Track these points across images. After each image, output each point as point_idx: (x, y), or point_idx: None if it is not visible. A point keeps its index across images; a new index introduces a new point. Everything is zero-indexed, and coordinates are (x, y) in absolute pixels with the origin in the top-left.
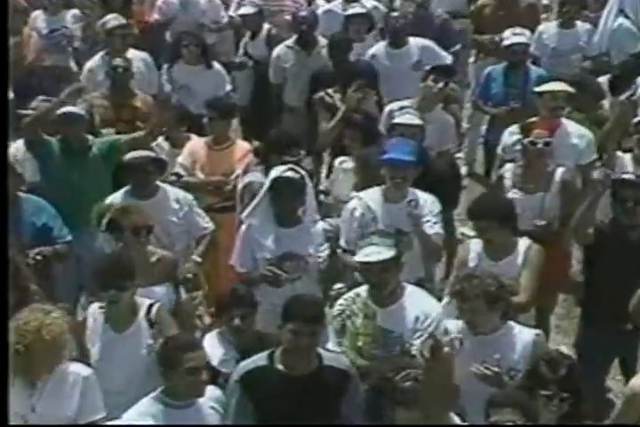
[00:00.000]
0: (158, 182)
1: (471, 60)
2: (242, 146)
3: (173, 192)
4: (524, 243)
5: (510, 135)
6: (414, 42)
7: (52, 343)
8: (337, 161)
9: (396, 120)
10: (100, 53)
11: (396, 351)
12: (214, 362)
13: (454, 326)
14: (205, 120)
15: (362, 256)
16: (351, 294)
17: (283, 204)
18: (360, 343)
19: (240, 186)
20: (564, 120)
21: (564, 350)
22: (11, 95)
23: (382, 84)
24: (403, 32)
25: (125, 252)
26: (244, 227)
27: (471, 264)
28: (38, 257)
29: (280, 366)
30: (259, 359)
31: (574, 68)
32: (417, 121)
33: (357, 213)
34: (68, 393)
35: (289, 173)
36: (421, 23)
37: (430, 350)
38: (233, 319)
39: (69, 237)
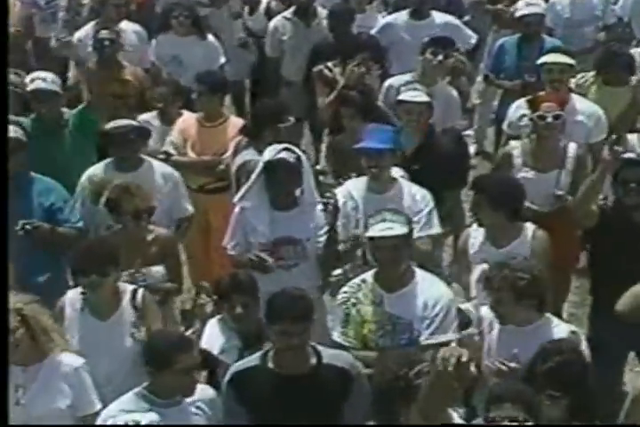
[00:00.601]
0: (143, 156)
1: None
2: (236, 122)
3: (159, 167)
4: (528, 229)
5: (516, 110)
6: (438, 16)
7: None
8: None
9: (402, 97)
10: (91, 23)
11: (404, 339)
12: (215, 351)
13: (488, 311)
14: (194, 96)
15: (374, 232)
16: (356, 280)
17: (278, 187)
18: (365, 331)
19: (234, 167)
20: (573, 96)
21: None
22: None
23: (394, 56)
24: (427, 3)
25: (118, 234)
26: (237, 209)
27: (471, 251)
28: (28, 227)
29: (272, 366)
30: (252, 359)
31: (588, 40)
32: (424, 98)
33: (340, 202)
34: (58, 386)
35: (283, 154)
36: None
37: (450, 359)
38: (234, 307)
39: (80, 224)
